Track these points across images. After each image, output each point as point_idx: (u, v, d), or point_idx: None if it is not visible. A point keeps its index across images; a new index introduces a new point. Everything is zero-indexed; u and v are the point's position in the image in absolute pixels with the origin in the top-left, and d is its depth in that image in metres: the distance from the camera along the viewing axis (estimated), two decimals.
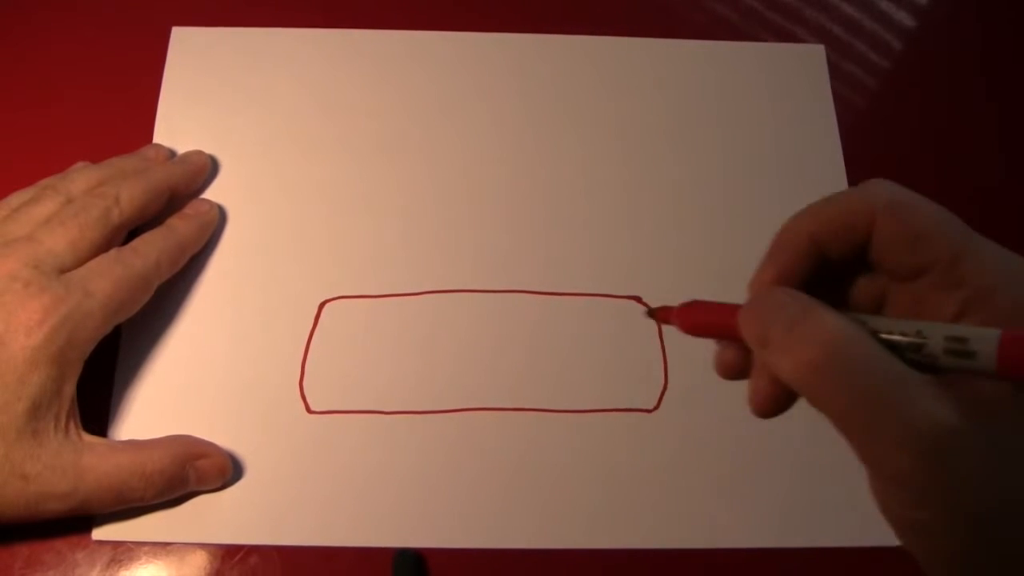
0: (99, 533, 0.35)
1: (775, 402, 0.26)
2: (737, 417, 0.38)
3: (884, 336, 0.23)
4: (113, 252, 0.36)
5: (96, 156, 0.40)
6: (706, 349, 0.39)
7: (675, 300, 0.39)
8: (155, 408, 0.38)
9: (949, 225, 0.24)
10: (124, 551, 0.35)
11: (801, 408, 0.39)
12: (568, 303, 0.40)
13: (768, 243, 0.26)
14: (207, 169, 0.42)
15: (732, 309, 0.27)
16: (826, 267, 0.26)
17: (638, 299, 0.41)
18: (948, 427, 0.20)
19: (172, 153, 0.42)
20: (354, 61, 0.45)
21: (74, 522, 0.35)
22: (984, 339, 0.22)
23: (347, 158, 0.43)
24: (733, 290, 0.40)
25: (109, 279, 0.35)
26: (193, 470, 0.35)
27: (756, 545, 0.36)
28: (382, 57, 0.45)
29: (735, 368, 0.28)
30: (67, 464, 0.33)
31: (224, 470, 0.36)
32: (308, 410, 0.38)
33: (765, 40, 0.47)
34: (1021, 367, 0.21)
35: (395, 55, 0.45)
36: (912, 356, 0.22)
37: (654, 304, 0.40)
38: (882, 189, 0.25)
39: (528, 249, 0.41)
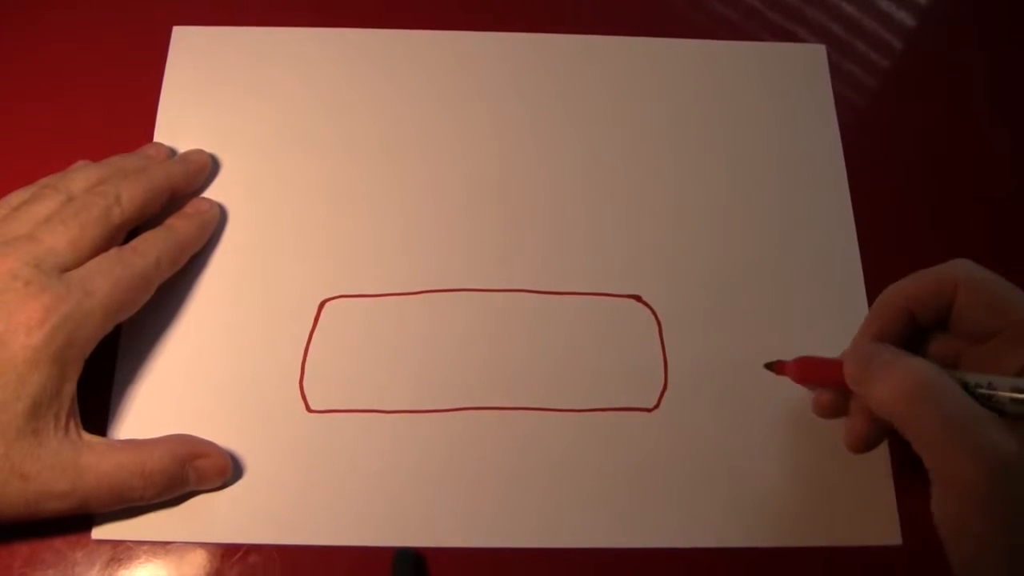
0: (99, 532, 0.35)
1: (867, 440, 0.32)
2: (737, 417, 0.38)
3: (961, 382, 0.28)
4: (114, 251, 0.36)
5: (96, 155, 0.40)
6: (706, 349, 0.40)
7: (674, 299, 0.40)
8: (155, 408, 0.38)
9: (1015, 296, 0.30)
10: (123, 550, 0.35)
11: (801, 409, 0.39)
12: (568, 302, 0.40)
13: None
14: (208, 168, 0.42)
15: (834, 362, 0.32)
16: (914, 333, 0.32)
17: (638, 298, 0.41)
18: (1012, 453, 0.25)
19: (173, 152, 0.42)
20: (354, 61, 0.45)
21: (74, 521, 0.35)
22: None
23: (347, 158, 0.43)
24: (732, 289, 0.41)
25: (110, 278, 0.35)
26: (193, 470, 0.35)
27: (756, 545, 0.36)
28: (382, 57, 0.45)
29: (830, 409, 0.33)
30: (67, 463, 0.33)
31: (224, 470, 0.36)
32: (308, 409, 0.38)
33: (766, 40, 0.47)
34: None
35: (395, 55, 0.45)
36: (985, 404, 0.27)
37: (655, 303, 0.40)
38: (963, 267, 0.31)
39: (528, 248, 0.41)
